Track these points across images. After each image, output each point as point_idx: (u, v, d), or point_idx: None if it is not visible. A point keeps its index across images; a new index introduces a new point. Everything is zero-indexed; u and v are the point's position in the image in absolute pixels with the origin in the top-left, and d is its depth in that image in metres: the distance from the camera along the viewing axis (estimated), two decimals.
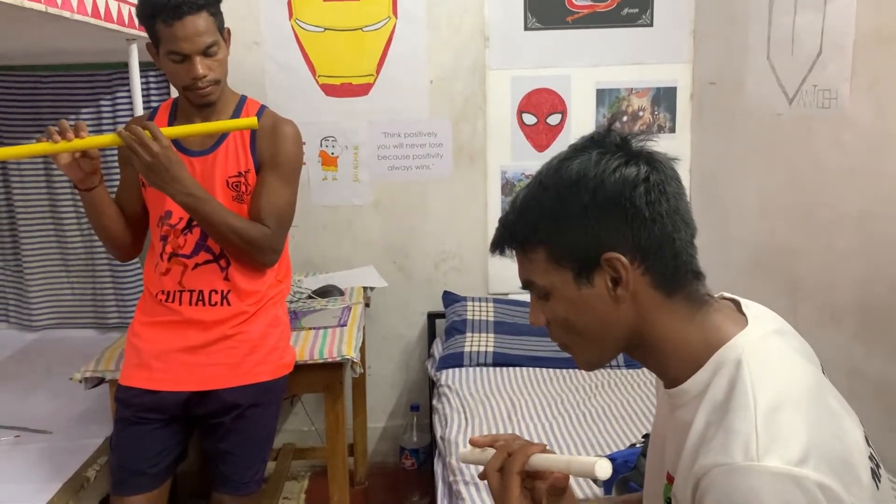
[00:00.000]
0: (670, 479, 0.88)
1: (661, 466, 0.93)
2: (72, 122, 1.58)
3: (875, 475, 0.83)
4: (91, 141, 1.60)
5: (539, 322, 0.95)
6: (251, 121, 1.65)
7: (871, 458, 0.84)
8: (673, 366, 0.89)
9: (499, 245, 0.95)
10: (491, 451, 1.00)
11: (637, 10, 2.86)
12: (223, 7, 1.72)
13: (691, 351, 0.87)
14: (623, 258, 0.85)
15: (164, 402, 1.73)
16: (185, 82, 1.66)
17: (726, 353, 0.85)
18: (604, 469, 0.88)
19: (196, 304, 1.73)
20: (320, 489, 2.85)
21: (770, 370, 0.82)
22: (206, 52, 1.64)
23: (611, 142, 0.88)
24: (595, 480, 1.56)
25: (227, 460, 1.75)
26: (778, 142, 2.29)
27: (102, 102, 2.82)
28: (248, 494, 1.78)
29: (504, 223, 0.93)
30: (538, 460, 0.95)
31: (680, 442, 0.85)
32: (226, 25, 1.71)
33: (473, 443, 1.05)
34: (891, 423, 1.84)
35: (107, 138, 1.64)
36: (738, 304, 0.93)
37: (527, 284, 0.94)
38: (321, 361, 1.98)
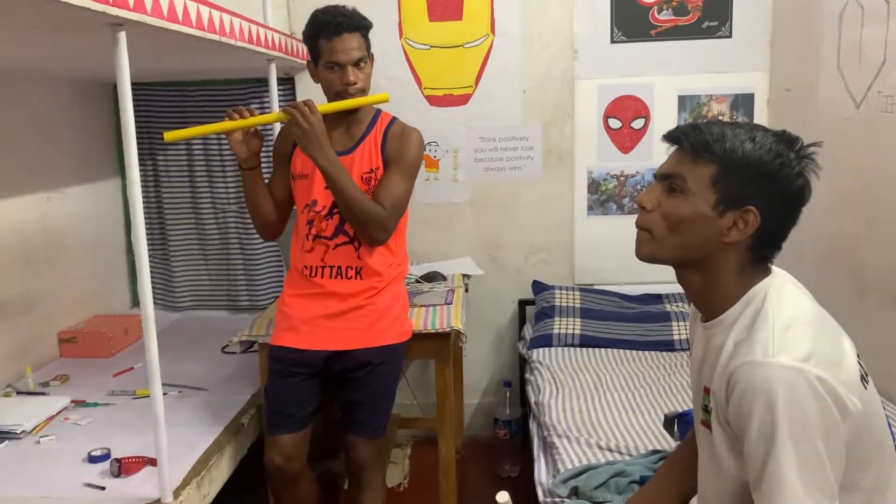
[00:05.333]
0: (706, 391, 1.17)
1: (700, 382, 1.22)
2: (247, 107, 1.98)
3: (863, 378, 1.10)
4: (262, 118, 2.00)
5: (649, 201, 1.15)
6: (383, 96, 2.03)
7: (861, 366, 1.11)
8: (715, 299, 1.17)
9: (681, 138, 1.13)
10: None
11: (717, 23, 3.10)
12: None
13: (732, 292, 1.15)
14: (758, 219, 1.11)
15: (309, 359, 2.10)
16: (337, 88, 2.03)
17: (755, 291, 1.14)
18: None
19: (335, 278, 2.09)
20: (422, 455, 3.20)
21: (785, 303, 1.11)
22: (357, 64, 2.01)
23: (802, 151, 1.12)
24: (671, 429, 1.82)
25: (360, 408, 2.11)
26: (846, 144, 2.49)
27: None
28: (376, 437, 2.13)
29: (699, 129, 1.12)
30: None
31: (715, 360, 1.14)
32: (371, 50, 2.09)
33: None
34: None
35: (275, 115, 2.06)
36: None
37: (671, 176, 1.13)
38: (433, 332, 2.32)
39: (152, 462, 1.88)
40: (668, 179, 1.15)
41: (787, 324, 1.07)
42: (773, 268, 1.21)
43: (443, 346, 2.36)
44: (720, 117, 3.14)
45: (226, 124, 1.95)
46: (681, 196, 1.13)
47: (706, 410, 1.18)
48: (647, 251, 1.18)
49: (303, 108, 1.92)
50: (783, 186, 1.11)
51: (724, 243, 1.13)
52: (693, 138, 1.13)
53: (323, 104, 2.02)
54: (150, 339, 1.69)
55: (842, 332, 1.14)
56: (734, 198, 1.11)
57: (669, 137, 1.18)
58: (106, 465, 1.95)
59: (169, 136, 1.89)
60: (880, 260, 2.34)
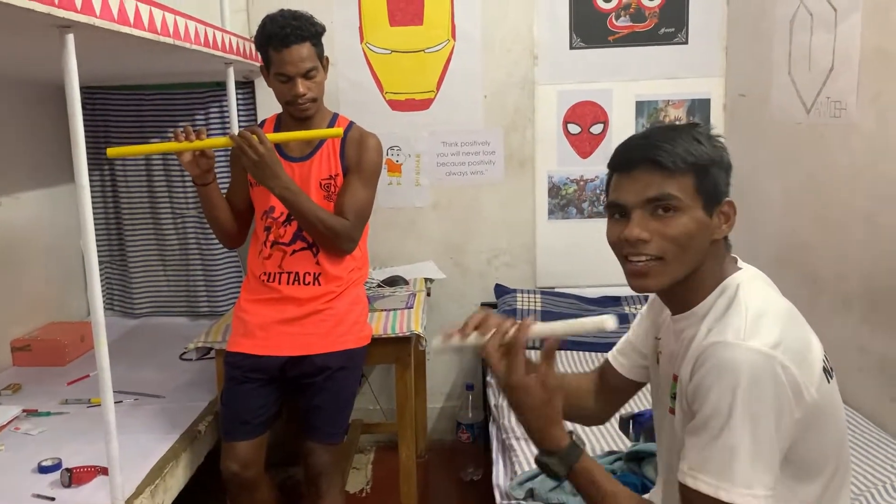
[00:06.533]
0: (675, 378, 1.18)
1: (669, 372, 1.22)
2: (195, 128, 1.96)
3: (827, 372, 1.12)
4: (208, 142, 1.97)
5: (641, 234, 1.10)
6: (337, 131, 2.01)
7: (826, 360, 1.13)
8: (691, 292, 1.17)
9: (647, 158, 1.11)
10: (473, 336, 1.17)
11: (673, 30, 3.15)
12: None
13: (708, 282, 1.17)
14: (733, 206, 1.15)
15: (265, 365, 2.08)
16: (287, 98, 2.02)
17: (729, 282, 1.16)
18: (612, 322, 1.10)
19: (293, 284, 2.08)
20: (385, 460, 3.19)
21: (759, 294, 1.13)
22: (307, 75, 2.00)
23: (707, 130, 1.16)
24: (626, 430, 1.85)
25: (318, 413, 2.10)
26: (798, 148, 2.55)
27: (197, 116, 3.22)
28: (334, 444, 2.12)
29: (655, 146, 1.11)
30: (541, 329, 1.14)
31: (686, 349, 1.14)
32: (325, 54, 2.07)
33: (449, 334, 1.21)
34: (892, 393, 2.09)
35: (221, 140, 1.99)
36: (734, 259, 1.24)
37: (659, 199, 1.10)
38: (393, 336, 2.32)
39: (104, 471, 1.84)
40: (654, 203, 1.12)
41: (759, 313, 1.09)
42: (743, 263, 1.23)
43: (403, 350, 2.36)
44: (677, 122, 3.19)
45: (171, 145, 1.93)
46: (677, 214, 1.12)
47: (672, 398, 1.20)
48: (664, 279, 1.13)
49: (251, 139, 1.89)
50: (727, 166, 1.16)
51: (713, 241, 1.15)
52: (672, 154, 1.11)
53: (273, 134, 2.01)
54: (101, 347, 1.66)
55: (809, 328, 1.16)
56: (713, 196, 1.14)
57: (644, 159, 1.13)
58: (56, 475, 1.91)
59: (112, 151, 1.87)
60: (830, 261, 2.39)
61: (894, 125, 2.06)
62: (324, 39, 2.10)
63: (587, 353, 2.81)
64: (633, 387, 1.44)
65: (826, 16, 2.34)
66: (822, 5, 2.35)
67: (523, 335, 1.14)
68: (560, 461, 1.14)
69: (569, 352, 2.81)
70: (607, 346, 2.75)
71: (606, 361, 1.47)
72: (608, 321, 1.10)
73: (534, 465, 1.94)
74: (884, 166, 2.11)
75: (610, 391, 1.45)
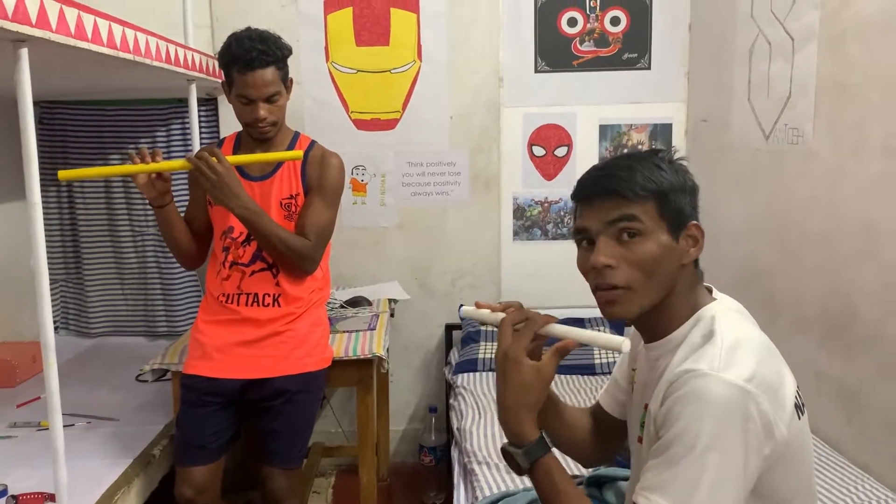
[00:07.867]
0: (645, 407, 1.17)
1: (641, 401, 1.22)
2: (150, 149, 1.92)
3: (798, 408, 1.12)
4: (165, 165, 1.93)
5: (611, 258, 1.10)
6: (297, 153, 1.99)
7: (798, 396, 1.13)
8: (664, 320, 1.17)
9: (605, 188, 1.12)
10: (500, 315, 1.19)
11: (636, 55, 3.19)
12: None
13: (681, 311, 1.16)
14: (700, 228, 1.15)
15: (223, 388, 2.04)
16: (248, 120, 2.00)
17: (704, 312, 1.15)
18: (627, 345, 1.12)
19: (252, 305, 2.05)
20: (346, 484, 3.14)
21: (735, 326, 1.12)
22: (269, 100, 1.98)
23: (669, 156, 1.18)
24: None
25: (277, 437, 2.05)
26: (758, 173, 2.59)
27: (158, 133, 3.18)
28: (293, 468, 2.08)
29: (614, 175, 1.12)
30: (557, 329, 1.15)
31: (658, 378, 1.14)
32: (289, 76, 2.05)
33: (480, 305, 1.23)
34: (848, 416, 2.12)
35: (178, 163, 1.96)
36: (709, 290, 1.24)
37: (623, 219, 1.10)
38: (354, 358, 2.29)
39: (52, 498, 1.78)
40: (617, 224, 1.11)
41: (734, 345, 1.08)
42: (719, 294, 1.23)
43: (365, 372, 2.33)
44: (639, 146, 3.23)
45: (127, 168, 1.90)
46: (642, 238, 1.11)
47: (641, 426, 1.19)
48: (633, 307, 1.13)
49: (208, 160, 1.87)
50: (691, 190, 1.17)
51: (682, 266, 1.15)
52: (630, 182, 1.11)
53: (233, 156, 1.99)
54: (50, 368, 1.61)
55: (784, 363, 1.16)
56: (678, 221, 1.14)
57: (598, 188, 1.14)
58: (2, 502, 1.84)
59: (64, 174, 1.82)
60: (788, 284, 2.42)
61: (848, 152, 2.10)
62: (289, 58, 2.08)
63: (559, 377, 2.80)
64: (624, 425, 1.40)
65: (784, 45, 2.39)
66: (780, 35, 2.40)
67: (542, 323, 1.16)
68: (525, 454, 1.13)
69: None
70: (577, 369, 2.79)
71: (596, 402, 1.47)
72: (624, 344, 1.12)
73: (495, 490, 1.93)
74: (839, 192, 2.15)
75: (603, 431, 1.44)
